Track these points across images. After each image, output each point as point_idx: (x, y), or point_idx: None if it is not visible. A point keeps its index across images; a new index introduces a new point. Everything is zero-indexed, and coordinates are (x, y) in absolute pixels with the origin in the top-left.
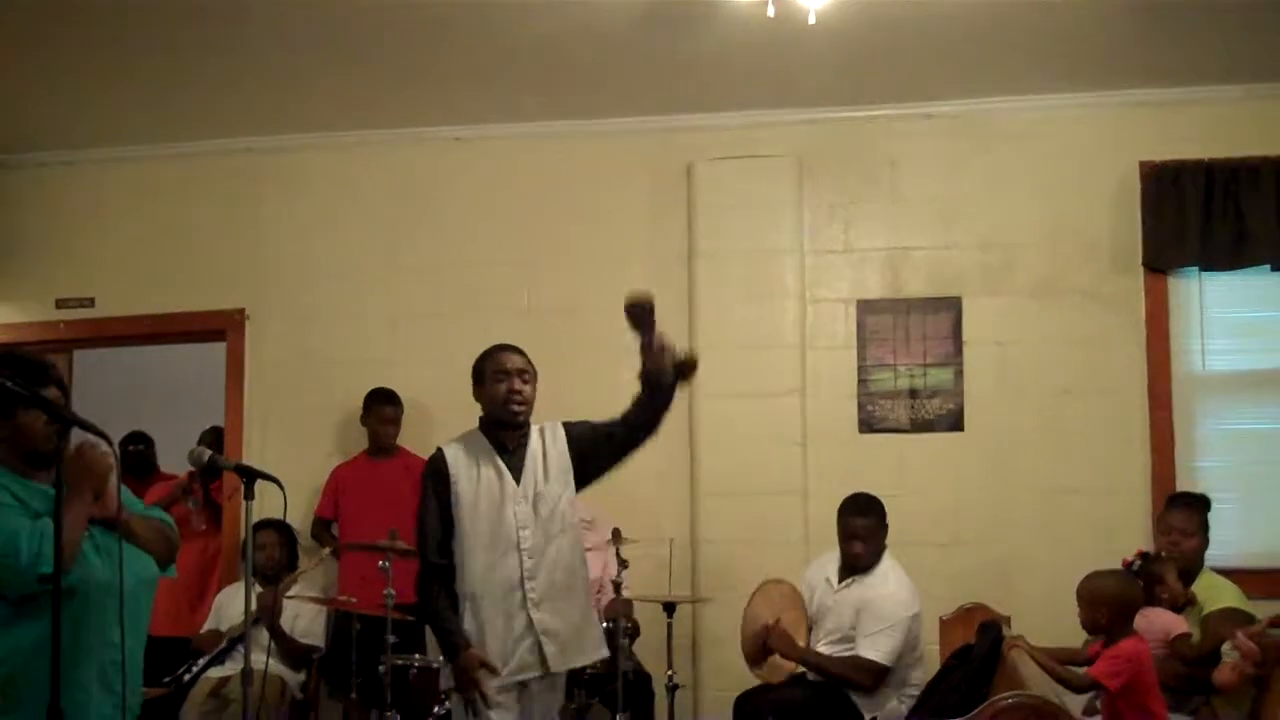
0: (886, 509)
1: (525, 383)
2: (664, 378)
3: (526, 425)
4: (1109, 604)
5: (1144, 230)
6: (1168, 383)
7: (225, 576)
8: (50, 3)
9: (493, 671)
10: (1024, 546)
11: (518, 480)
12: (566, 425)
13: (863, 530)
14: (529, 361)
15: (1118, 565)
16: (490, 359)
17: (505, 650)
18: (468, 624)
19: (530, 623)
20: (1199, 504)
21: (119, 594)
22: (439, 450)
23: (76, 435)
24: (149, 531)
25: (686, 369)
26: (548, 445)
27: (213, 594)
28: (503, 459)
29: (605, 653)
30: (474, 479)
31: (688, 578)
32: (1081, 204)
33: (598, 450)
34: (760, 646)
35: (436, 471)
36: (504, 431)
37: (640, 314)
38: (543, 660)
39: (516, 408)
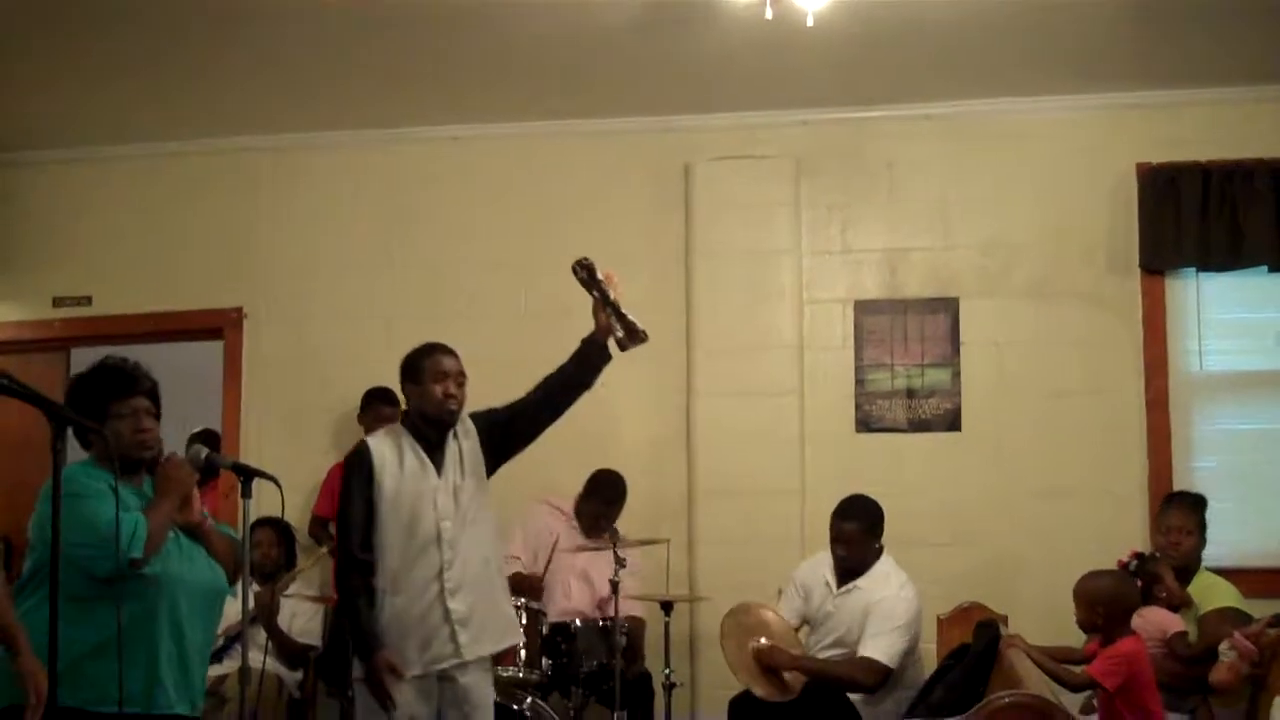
0: (884, 510)
1: (460, 386)
2: (602, 349)
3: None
4: (1105, 604)
5: (1141, 231)
6: (1165, 383)
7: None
8: (47, 1)
9: (399, 676)
10: (1021, 546)
11: (439, 473)
12: (472, 416)
13: (846, 534)
14: (461, 363)
15: (1114, 566)
16: (430, 359)
17: (422, 640)
18: (386, 615)
19: (446, 612)
20: (1197, 503)
21: (197, 594)
22: (363, 443)
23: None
24: (223, 544)
25: (628, 342)
26: (461, 439)
27: None
28: (426, 453)
29: (518, 638)
30: (398, 472)
31: (685, 577)
32: (1079, 205)
33: (508, 433)
34: (760, 670)
35: (361, 464)
36: (430, 429)
37: (578, 274)
38: (457, 648)
39: (453, 408)
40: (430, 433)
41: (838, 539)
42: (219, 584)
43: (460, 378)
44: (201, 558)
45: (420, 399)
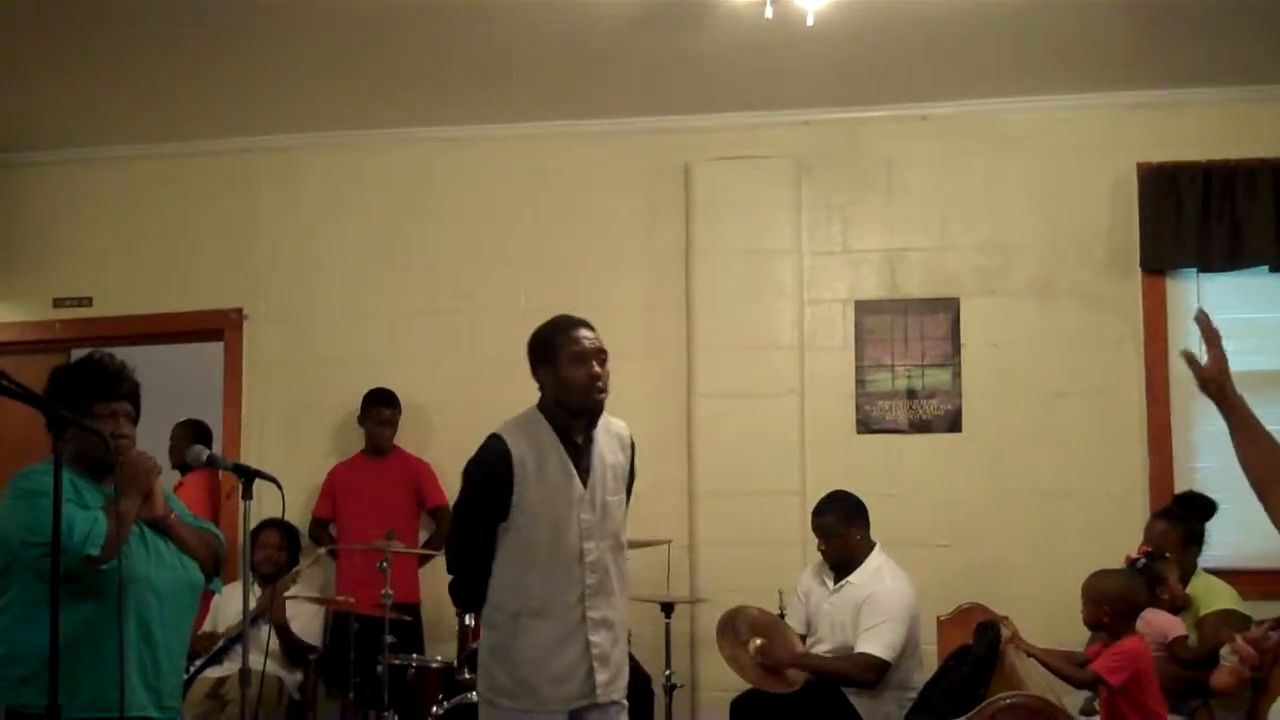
0: (871, 507)
1: (603, 364)
2: None
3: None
4: (1113, 603)
5: (1141, 231)
6: (1165, 383)
7: (223, 576)
8: (47, 2)
9: None
10: (1021, 547)
11: (585, 483)
12: (633, 441)
13: (823, 528)
14: (600, 338)
15: (1120, 563)
16: (564, 335)
17: (556, 675)
18: (521, 641)
19: (587, 646)
20: (1172, 516)
21: (166, 591)
22: (499, 440)
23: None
24: (195, 540)
25: None
26: (615, 447)
27: (210, 594)
28: (570, 455)
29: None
30: (541, 477)
31: (686, 578)
32: (1079, 205)
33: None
34: (764, 668)
35: (494, 470)
36: (573, 421)
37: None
38: (592, 689)
39: (600, 395)
40: (573, 427)
41: (817, 534)
42: (191, 579)
43: (602, 355)
44: (170, 554)
45: (557, 385)
